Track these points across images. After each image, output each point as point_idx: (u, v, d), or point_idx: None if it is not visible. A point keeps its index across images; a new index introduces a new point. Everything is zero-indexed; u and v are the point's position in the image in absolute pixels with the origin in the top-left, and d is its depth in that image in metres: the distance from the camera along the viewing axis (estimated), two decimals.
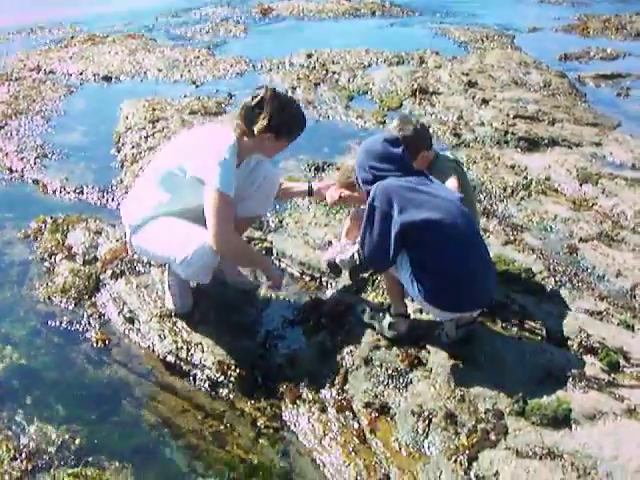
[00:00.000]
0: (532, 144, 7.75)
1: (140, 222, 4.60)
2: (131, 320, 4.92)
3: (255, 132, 4.39)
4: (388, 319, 4.47)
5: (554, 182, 6.86)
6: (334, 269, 4.99)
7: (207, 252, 4.36)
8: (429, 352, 4.40)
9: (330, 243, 5.50)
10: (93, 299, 5.20)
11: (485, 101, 8.76)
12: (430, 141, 4.88)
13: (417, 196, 4.01)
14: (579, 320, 4.63)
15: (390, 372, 4.30)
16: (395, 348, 4.45)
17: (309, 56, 10.48)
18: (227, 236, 4.34)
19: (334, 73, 9.85)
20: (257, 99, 4.36)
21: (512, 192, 6.66)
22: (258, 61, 10.44)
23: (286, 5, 13.69)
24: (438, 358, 4.34)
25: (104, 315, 5.05)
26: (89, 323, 4.97)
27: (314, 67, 10.11)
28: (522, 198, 6.55)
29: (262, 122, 4.35)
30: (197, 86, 9.42)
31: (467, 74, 9.62)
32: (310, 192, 5.13)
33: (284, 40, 11.70)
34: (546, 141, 7.76)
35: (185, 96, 8.86)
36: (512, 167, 7.18)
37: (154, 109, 8.21)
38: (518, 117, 8.34)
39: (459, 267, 4.01)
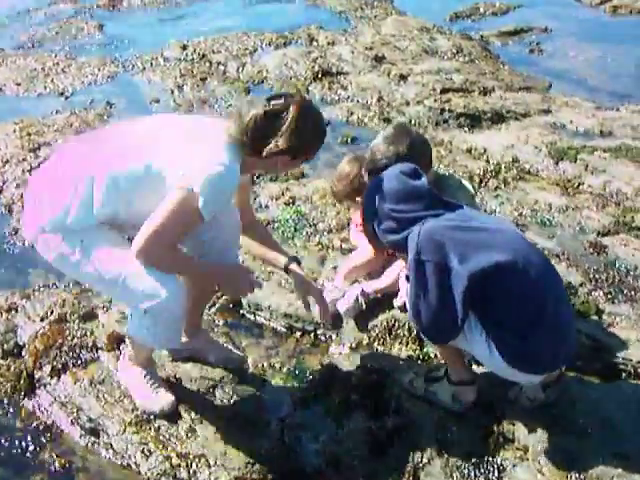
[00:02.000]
0: (475, 120, 6.96)
1: (70, 223, 3.28)
2: (94, 432, 3.69)
3: (264, 153, 3.25)
4: (450, 388, 3.49)
5: (525, 163, 6.07)
6: (334, 320, 3.99)
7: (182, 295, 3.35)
8: (513, 424, 3.47)
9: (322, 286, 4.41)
10: (30, 406, 3.90)
11: (403, 77, 7.88)
12: (430, 158, 3.91)
13: (472, 235, 3.13)
14: None
15: (475, 460, 3.30)
16: (467, 424, 3.45)
17: (184, 47, 9.23)
18: (159, 247, 3.22)
19: (219, 64, 8.68)
20: (275, 110, 3.21)
21: (481, 181, 5.80)
22: (126, 60, 9.08)
23: None
24: (528, 430, 3.38)
25: (51, 427, 3.76)
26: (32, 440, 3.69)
27: (193, 59, 8.89)
28: (497, 187, 5.70)
29: (279, 143, 3.23)
30: (66, 97, 8.01)
31: (370, 48, 8.70)
32: (287, 271, 3.87)
33: (147, 32, 10.36)
34: (489, 115, 6.97)
35: (57, 112, 7.48)
36: (469, 151, 6.35)
37: (29, 134, 6.81)
38: (446, 90, 7.51)
39: (545, 315, 3.16)
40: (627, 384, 3.68)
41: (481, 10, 10.70)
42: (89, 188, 3.24)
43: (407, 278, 3.24)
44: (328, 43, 9.13)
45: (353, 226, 4.67)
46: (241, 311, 4.56)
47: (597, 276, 4.51)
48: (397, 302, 4.27)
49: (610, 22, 10.03)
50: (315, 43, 9.23)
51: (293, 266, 3.79)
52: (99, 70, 8.80)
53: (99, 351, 4.16)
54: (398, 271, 4.26)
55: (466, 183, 4.03)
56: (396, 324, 4.20)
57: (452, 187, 3.85)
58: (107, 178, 3.23)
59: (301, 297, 3.86)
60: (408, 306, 3.23)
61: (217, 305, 4.54)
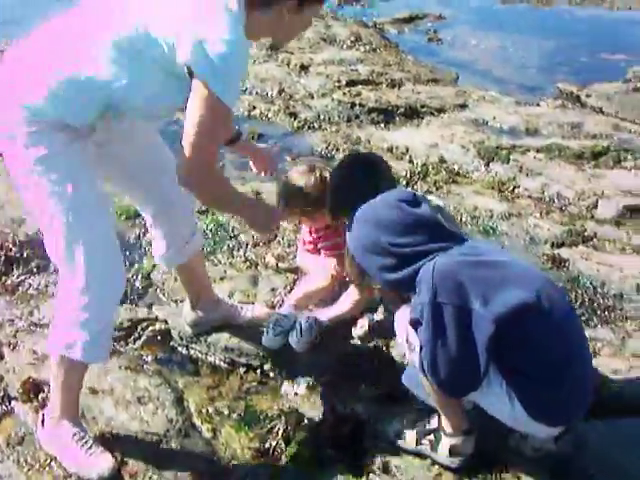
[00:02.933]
0: (388, 115, 6.55)
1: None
2: None
3: None
4: (447, 441, 3.04)
5: (453, 164, 5.73)
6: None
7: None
8: (518, 477, 3.03)
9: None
10: None
11: (303, 67, 7.45)
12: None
13: (491, 272, 2.74)
14: None
15: None
16: None
17: None
18: (207, 169, 2.76)
19: None
20: None
21: (408, 184, 5.39)
22: None
23: None
24: None
25: None
26: None
27: None
28: (428, 191, 5.29)
29: None
30: None
31: None
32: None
33: None
34: (402, 109, 6.60)
35: None
36: (390, 150, 5.97)
37: None
38: (353, 83, 7.11)
39: (572, 361, 2.80)
40: (627, 422, 3.34)
41: None
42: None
43: (413, 324, 2.77)
44: None
45: (300, 244, 4.17)
46: (172, 343, 3.95)
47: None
48: (357, 331, 3.82)
49: (503, 10, 9.95)
50: None
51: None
52: None
53: (12, 402, 3.48)
54: (356, 297, 3.79)
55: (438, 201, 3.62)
56: (358, 358, 3.71)
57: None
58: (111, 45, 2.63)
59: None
60: (419, 356, 2.77)
61: (143, 338, 3.94)
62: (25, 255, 4.38)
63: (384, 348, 3.72)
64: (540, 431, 2.87)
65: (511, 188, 5.40)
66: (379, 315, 3.87)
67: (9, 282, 4.30)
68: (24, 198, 2.90)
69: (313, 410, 3.50)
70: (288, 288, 4.21)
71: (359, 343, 3.82)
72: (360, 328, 3.81)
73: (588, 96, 6.88)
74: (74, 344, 2.95)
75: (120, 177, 3.29)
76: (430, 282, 2.63)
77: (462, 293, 2.62)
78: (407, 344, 2.90)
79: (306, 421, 3.42)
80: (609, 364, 3.62)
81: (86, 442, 3.13)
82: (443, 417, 3.07)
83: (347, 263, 3.00)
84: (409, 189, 4.81)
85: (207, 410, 3.54)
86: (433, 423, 3.15)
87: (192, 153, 2.66)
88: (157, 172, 3.24)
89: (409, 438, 3.16)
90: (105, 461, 3.09)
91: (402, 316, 2.96)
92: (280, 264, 4.41)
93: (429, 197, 3.56)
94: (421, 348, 2.73)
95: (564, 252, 4.57)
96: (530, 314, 2.67)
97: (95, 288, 2.85)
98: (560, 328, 2.75)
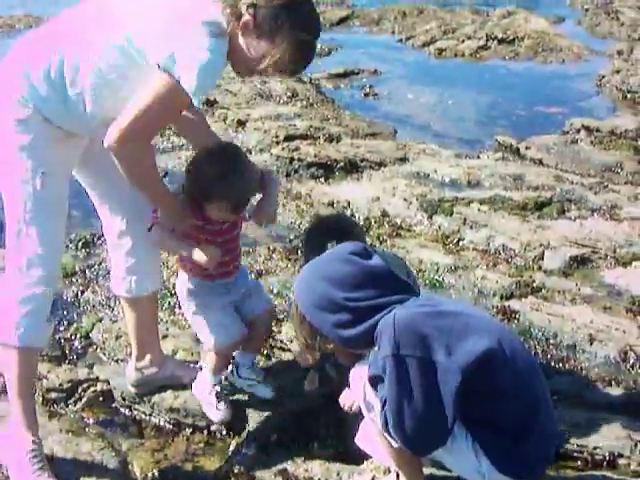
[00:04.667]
0: (328, 170, 6.60)
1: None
2: None
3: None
4: None
5: (396, 218, 5.77)
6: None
7: None
8: None
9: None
10: None
11: (241, 123, 7.46)
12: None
13: (452, 322, 2.70)
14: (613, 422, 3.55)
15: None
16: None
17: None
18: (139, 137, 2.86)
19: None
20: None
21: None
22: None
23: None
24: None
25: None
26: None
27: None
28: (372, 245, 5.28)
29: None
30: None
31: None
32: None
33: None
34: (342, 164, 6.65)
35: None
36: (331, 204, 6.01)
37: None
38: (291, 138, 7.13)
39: (540, 411, 2.78)
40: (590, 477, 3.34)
41: None
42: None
43: (372, 381, 2.74)
44: None
45: None
46: (114, 405, 3.86)
47: None
48: (307, 387, 3.79)
49: (438, 65, 10.12)
50: None
51: None
52: None
53: None
54: None
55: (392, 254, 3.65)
56: (309, 415, 3.68)
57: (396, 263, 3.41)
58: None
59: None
60: (381, 414, 2.72)
61: (84, 399, 3.86)
62: None
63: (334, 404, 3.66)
64: None
65: (455, 240, 5.45)
66: (329, 369, 3.83)
67: None
68: None
69: (265, 472, 3.43)
70: None
71: (309, 399, 3.76)
72: (311, 382, 3.76)
73: (527, 148, 7.01)
74: (11, 329, 3.13)
75: (105, 175, 3.32)
76: (392, 334, 2.61)
77: (425, 344, 2.60)
78: (364, 403, 2.86)
79: None
80: (569, 415, 3.63)
81: (38, 462, 3.16)
82: (402, 476, 3.03)
83: (296, 323, 2.95)
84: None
85: (153, 474, 3.48)
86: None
87: (135, 123, 2.79)
88: None
89: None
90: None
91: (357, 375, 2.93)
92: None
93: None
94: (383, 405, 2.69)
95: (514, 304, 4.61)
96: (495, 362, 2.65)
97: (33, 272, 3.07)
98: (524, 376, 2.75)
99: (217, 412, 3.59)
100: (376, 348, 2.69)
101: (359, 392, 2.86)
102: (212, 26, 2.75)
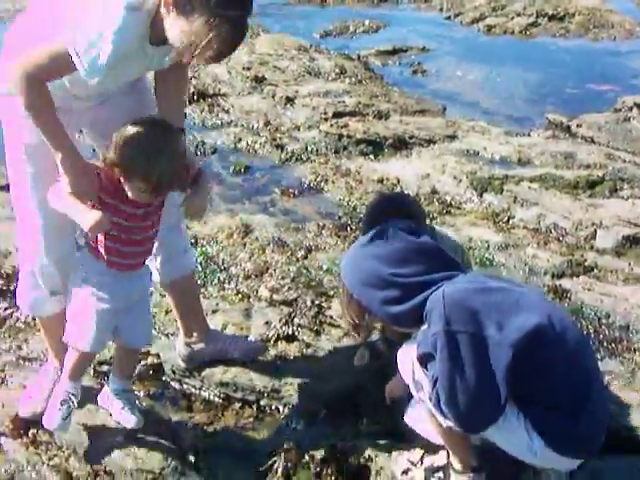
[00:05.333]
0: (377, 147, 6.53)
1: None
2: None
3: None
4: (455, 478, 2.94)
5: (446, 195, 5.69)
6: None
7: None
8: None
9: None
10: None
11: (289, 99, 7.39)
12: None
13: (502, 297, 2.68)
14: None
15: None
16: None
17: None
18: (36, 79, 2.70)
19: None
20: None
21: None
22: None
23: None
24: None
25: None
26: None
27: None
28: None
29: None
30: None
31: (248, 68, 8.15)
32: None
33: None
34: (391, 141, 6.58)
35: None
36: (380, 181, 5.92)
37: None
38: (339, 114, 7.07)
39: (593, 387, 2.73)
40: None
41: (351, 28, 10.41)
42: None
43: (422, 358, 2.70)
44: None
45: None
46: (164, 378, 3.86)
47: None
48: (357, 362, 3.74)
49: (487, 42, 9.94)
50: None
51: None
52: None
53: (1, 438, 3.42)
54: None
55: (451, 234, 3.59)
56: (359, 391, 3.64)
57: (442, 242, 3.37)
58: None
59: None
60: (432, 392, 2.68)
61: (135, 373, 3.84)
62: (13, 288, 4.29)
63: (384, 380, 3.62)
64: (560, 465, 2.80)
65: (506, 219, 5.37)
66: (379, 345, 3.79)
67: None
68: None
69: (314, 446, 3.40)
70: (283, 321, 4.13)
71: (359, 375, 3.73)
72: (361, 358, 3.73)
73: (579, 126, 6.88)
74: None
75: None
76: (442, 310, 2.57)
77: (476, 320, 2.57)
78: (413, 383, 2.82)
79: (307, 458, 3.32)
80: (620, 397, 3.56)
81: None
82: (451, 455, 2.99)
83: (344, 301, 2.91)
84: None
85: (203, 448, 3.44)
86: (441, 461, 3.07)
87: (27, 63, 2.67)
88: None
89: (418, 476, 3.07)
90: None
91: (406, 354, 2.88)
92: (274, 296, 4.33)
93: (435, 226, 3.54)
94: (434, 383, 2.65)
95: (565, 283, 4.54)
96: (545, 339, 2.62)
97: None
98: (575, 354, 2.70)
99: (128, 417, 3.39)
100: (425, 326, 2.64)
101: (407, 371, 2.82)
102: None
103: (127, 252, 3.10)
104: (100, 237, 3.03)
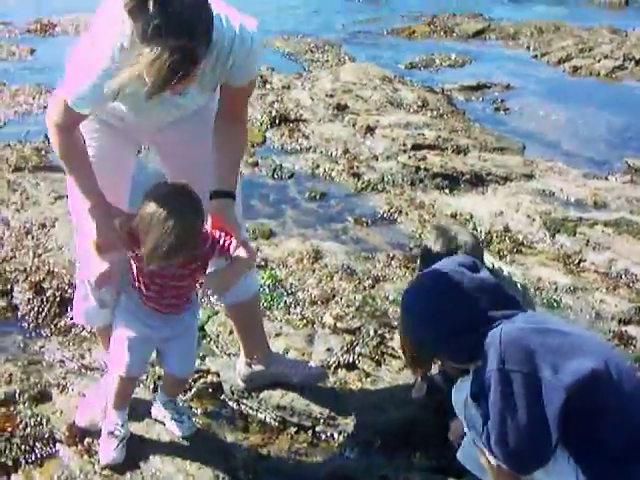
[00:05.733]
0: (453, 181, 6.52)
1: None
2: None
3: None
4: None
5: (518, 234, 5.65)
6: None
7: None
8: None
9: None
10: None
11: (370, 129, 7.43)
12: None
13: (560, 340, 2.65)
14: None
15: None
16: None
17: None
18: (54, 124, 2.87)
19: None
20: None
21: None
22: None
23: (71, 19, 11.51)
24: None
25: None
26: None
27: None
28: None
29: None
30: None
31: (331, 95, 8.23)
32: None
33: None
34: (468, 176, 6.57)
35: None
36: (454, 216, 5.92)
37: None
38: (418, 147, 7.09)
39: None
40: None
41: (437, 62, 10.43)
42: None
43: (475, 396, 2.69)
44: (283, 86, 8.67)
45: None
46: (222, 397, 3.91)
47: None
48: (415, 394, 3.77)
49: (572, 82, 9.84)
50: (269, 85, 8.75)
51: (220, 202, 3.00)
52: (34, 99, 8.08)
53: (57, 445, 3.47)
54: None
55: (517, 273, 3.57)
56: (414, 424, 3.64)
57: (505, 281, 3.36)
58: None
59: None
60: (483, 429, 2.67)
61: (193, 390, 3.91)
62: None
63: (440, 415, 3.61)
64: None
65: (577, 261, 5.32)
66: (437, 379, 3.78)
67: (62, 323, 4.33)
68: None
69: (366, 476, 3.41)
70: (345, 349, 4.15)
71: (416, 408, 3.72)
72: (419, 391, 3.73)
73: None
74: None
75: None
76: (498, 349, 2.57)
77: (531, 360, 2.56)
78: (465, 419, 2.82)
79: None
80: None
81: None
82: None
83: (402, 334, 2.93)
84: None
85: (255, 468, 3.48)
86: None
87: (51, 112, 2.87)
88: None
89: None
90: None
91: (460, 390, 2.89)
92: (338, 324, 4.36)
93: (497, 263, 3.53)
94: (485, 420, 2.64)
95: (631, 329, 4.47)
96: (601, 384, 2.60)
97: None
98: (632, 401, 2.66)
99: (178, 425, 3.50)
100: (480, 362, 2.64)
101: (461, 408, 2.82)
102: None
103: (162, 303, 3.15)
104: (135, 275, 3.10)
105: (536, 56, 10.86)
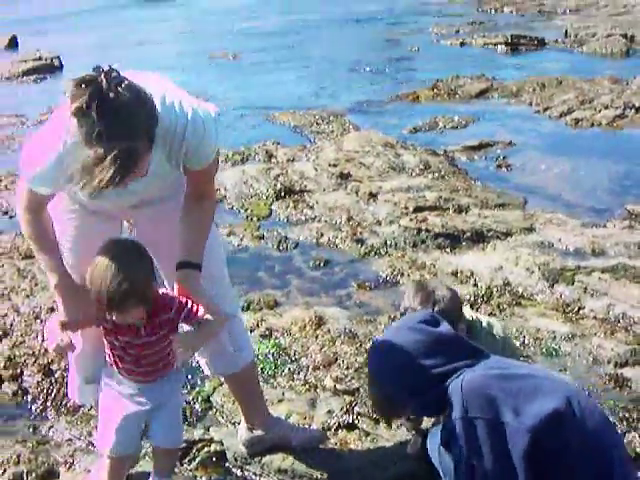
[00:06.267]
0: (454, 240, 6.69)
1: None
2: None
3: None
4: None
5: (518, 287, 5.77)
6: None
7: None
8: None
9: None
10: None
11: (372, 195, 7.62)
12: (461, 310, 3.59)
13: (520, 383, 2.80)
14: None
15: None
16: None
17: None
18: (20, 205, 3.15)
19: None
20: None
21: (472, 307, 5.42)
22: None
23: None
24: None
25: None
26: None
27: None
28: (492, 314, 5.34)
29: None
30: (11, 217, 7.48)
31: (334, 165, 8.45)
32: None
33: None
34: (469, 234, 6.72)
35: (1, 232, 6.98)
36: (455, 274, 6.05)
37: None
38: (420, 209, 7.25)
39: (610, 472, 2.76)
40: None
41: (440, 124, 10.61)
42: None
43: (446, 444, 2.81)
44: (288, 159, 8.90)
45: None
46: (226, 464, 4.04)
47: (627, 415, 4.17)
48: (410, 449, 3.87)
49: (573, 135, 10.00)
50: (274, 159, 8.99)
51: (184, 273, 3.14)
52: None
53: None
54: None
55: (496, 324, 3.70)
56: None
57: (482, 332, 3.50)
58: None
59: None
60: (458, 477, 2.78)
61: (198, 459, 4.05)
62: None
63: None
64: None
65: (576, 309, 5.42)
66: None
67: (70, 403, 4.49)
68: None
69: None
70: (344, 409, 4.27)
71: (414, 463, 3.82)
72: (414, 446, 3.83)
73: None
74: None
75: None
76: (460, 398, 2.70)
77: (493, 406, 2.68)
78: (440, 467, 2.94)
79: None
80: None
81: None
82: None
83: (371, 394, 3.07)
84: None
85: None
86: None
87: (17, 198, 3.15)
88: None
89: None
90: None
91: (434, 438, 3.01)
92: (338, 386, 4.49)
93: (475, 315, 3.67)
94: (456, 467, 2.76)
95: (627, 372, 4.56)
96: (563, 423, 2.71)
97: None
98: (595, 438, 2.76)
99: None
100: (447, 412, 2.76)
101: (435, 456, 2.94)
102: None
103: (140, 371, 3.24)
104: (108, 351, 3.24)
105: (538, 111, 11.04)
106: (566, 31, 16.26)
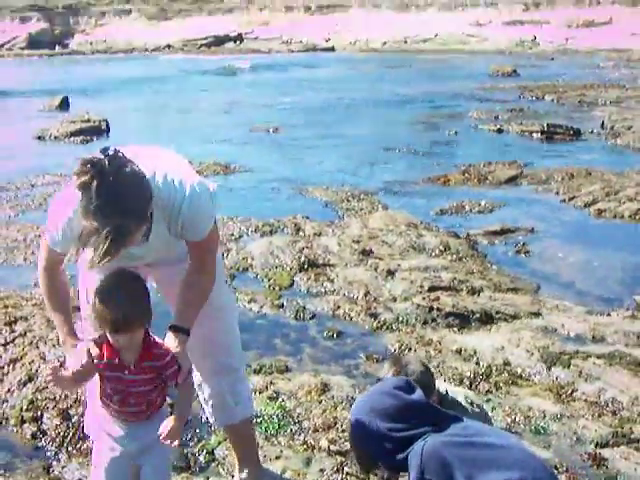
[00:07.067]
0: (464, 320, 7.04)
1: None
2: None
3: None
4: None
5: (516, 367, 6.11)
6: None
7: None
8: None
9: None
10: None
11: (390, 272, 8.04)
12: (434, 385, 3.96)
13: (478, 452, 3.08)
14: None
15: None
16: None
17: None
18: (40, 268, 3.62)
19: None
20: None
21: (471, 384, 5.80)
22: None
23: None
24: None
25: None
26: None
27: None
28: (488, 391, 5.72)
29: None
30: None
31: (358, 241, 8.90)
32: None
33: None
34: (478, 315, 7.06)
35: (36, 285, 7.47)
36: (458, 352, 6.40)
37: (6, 306, 6.82)
38: (434, 289, 7.64)
39: None
40: None
41: (466, 208, 11.03)
42: None
43: None
44: (315, 234, 9.36)
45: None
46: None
47: None
48: None
49: (595, 225, 10.36)
50: (302, 233, 9.46)
51: (173, 335, 3.40)
52: None
53: None
54: None
55: (473, 398, 4.07)
56: None
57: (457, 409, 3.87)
58: None
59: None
60: None
61: None
62: None
63: None
64: None
65: (569, 391, 5.74)
66: None
67: (84, 446, 4.90)
68: None
69: None
70: (335, 469, 4.64)
71: None
72: None
73: None
74: None
75: None
76: (419, 460, 3.06)
77: (447, 472, 3.01)
78: None
79: None
80: None
81: None
82: None
83: (354, 450, 3.47)
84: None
85: None
86: None
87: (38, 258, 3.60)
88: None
89: None
90: None
91: None
92: (332, 446, 4.85)
93: (450, 388, 4.05)
94: None
95: (606, 452, 4.86)
96: None
97: None
98: None
99: None
100: (408, 473, 3.14)
101: None
102: None
103: (127, 410, 3.39)
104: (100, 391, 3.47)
105: (564, 200, 11.43)
106: (603, 122, 16.70)
